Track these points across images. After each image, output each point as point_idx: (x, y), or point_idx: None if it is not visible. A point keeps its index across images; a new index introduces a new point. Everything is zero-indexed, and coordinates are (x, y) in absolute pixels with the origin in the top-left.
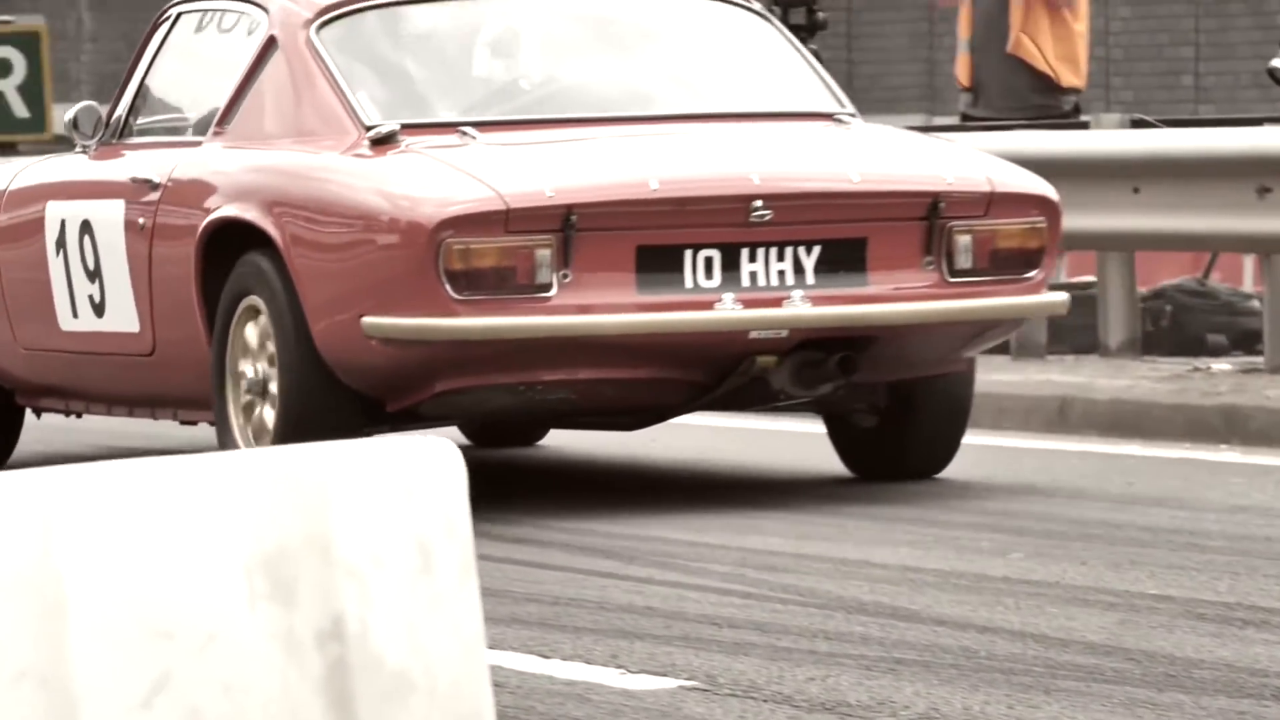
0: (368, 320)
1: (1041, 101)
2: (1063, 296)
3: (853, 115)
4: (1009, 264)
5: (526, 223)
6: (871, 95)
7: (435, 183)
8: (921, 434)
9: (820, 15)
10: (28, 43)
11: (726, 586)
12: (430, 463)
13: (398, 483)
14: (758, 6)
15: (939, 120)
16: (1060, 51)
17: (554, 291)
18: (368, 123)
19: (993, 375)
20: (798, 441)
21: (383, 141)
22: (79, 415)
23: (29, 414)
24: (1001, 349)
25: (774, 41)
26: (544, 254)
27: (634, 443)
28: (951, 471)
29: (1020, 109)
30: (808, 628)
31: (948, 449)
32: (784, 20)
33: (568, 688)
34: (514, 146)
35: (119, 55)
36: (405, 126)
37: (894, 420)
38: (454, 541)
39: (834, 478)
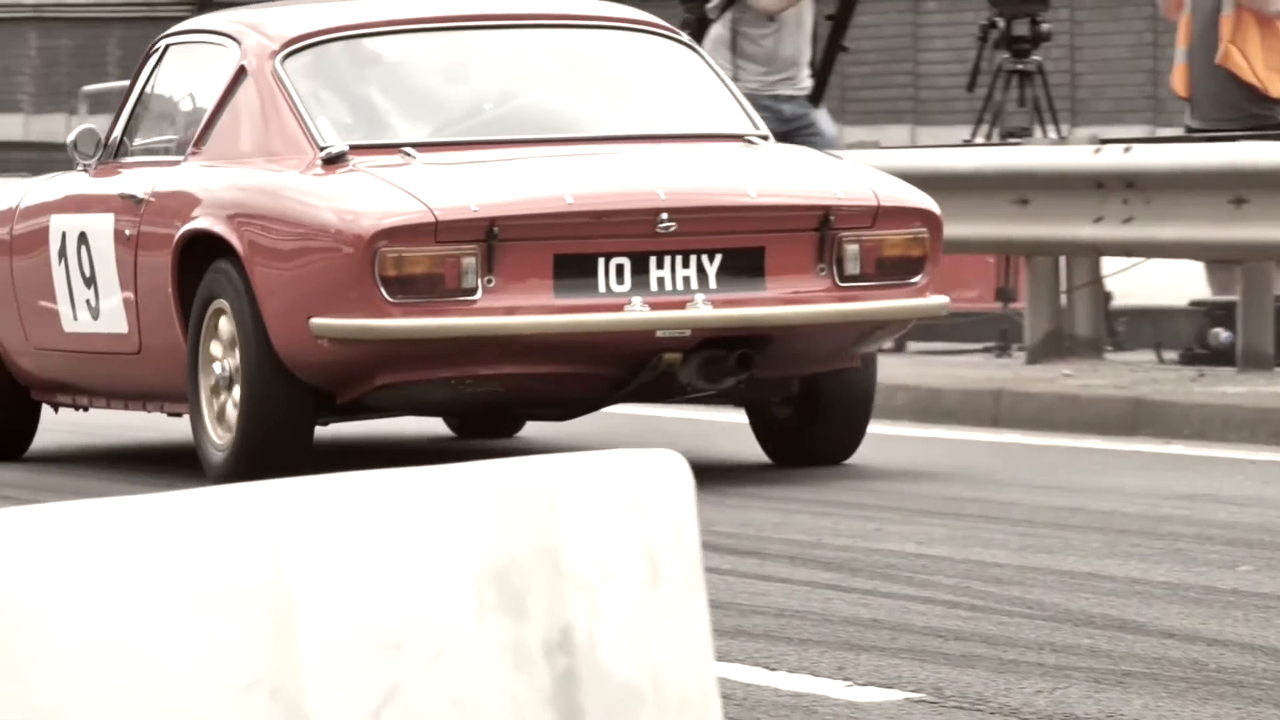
0: (315, 321)
1: (1256, 111)
2: (942, 300)
3: (764, 137)
4: (894, 270)
5: (454, 234)
6: (1095, 106)
7: (374, 198)
8: (830, 425)
9: (1044, 26)
10: None
11: (952, 599)
12: (658, 474)
13: (626, 494)
14: (684, 37)
15: (1163, 131)
16: (1271, 62)
17: (479, 295)
18: (322, 144)
19: (1219, 388)
20: (1022, 454)
21: (333, 161)
22: (85, 409)
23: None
24: (1227, 359)
25: (696, 69)
26: (469, 261)
27: (858, 454)
28: (1180, 484)
29: (1232, 120)
30: (1035, 640)
31: (854, 438)
32: (1007, 31)
33: (794, 700)
34: (447, 166)
35: None
36: (354, 148)
37: (804, 412)
38: (682, 553)
39: (1058, 488)
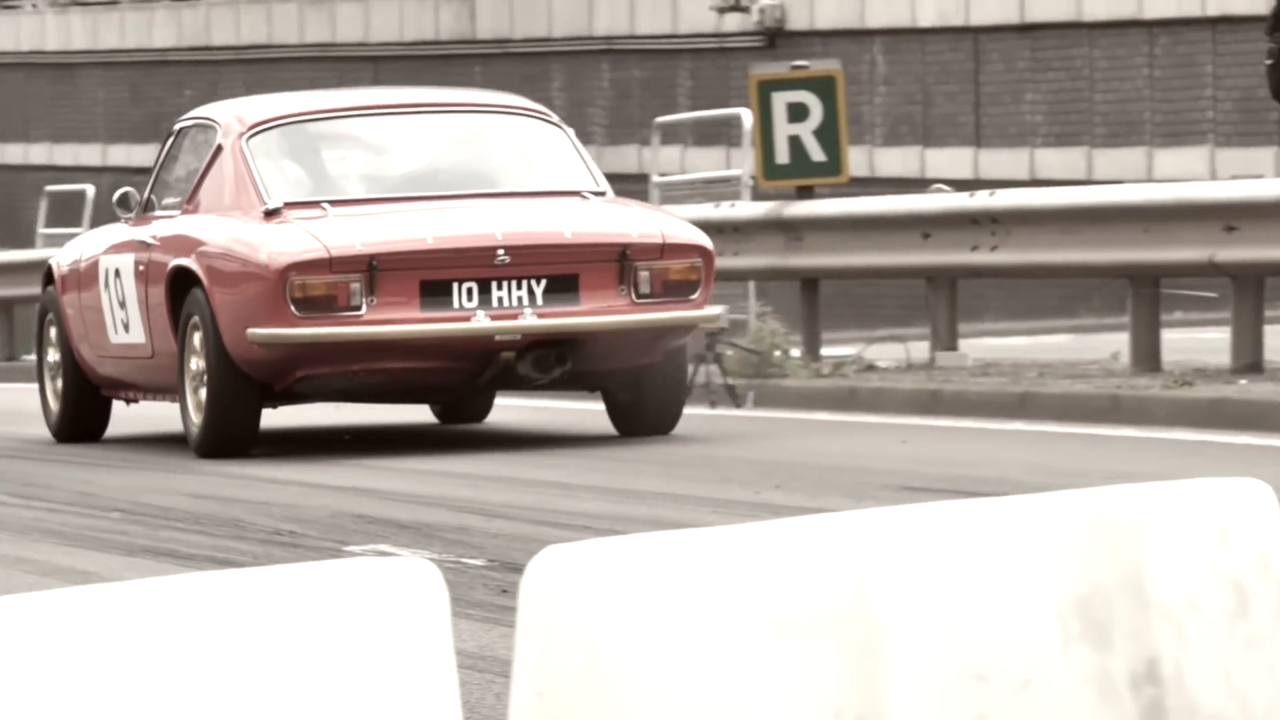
0: (250, 330)
1: None
2: (715, 311)
3: (599, 193)
4: (677, 290)
5: (344, 266)
6: None
7: (289, 240)
8: (655, 402)
9: None
10: (823, 87)
11: None
12: (1243, 502)
13: (1211, 522)
14: (554, 118)
15: None
16: None
17: (363, 311)
18: (265, 201)
19: None
20: None
21: (271, 214)
22: (134, 402)
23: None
24: None
25: (557, 142)
26: (356, 286)
27: None
28: None
29: None
30: None
31: (674, 416)
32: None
33: None
34: (348, 217)
35: (912, 97)
36: (288, 204)
37: (636, 396)
38: (1269, 582)
39: None
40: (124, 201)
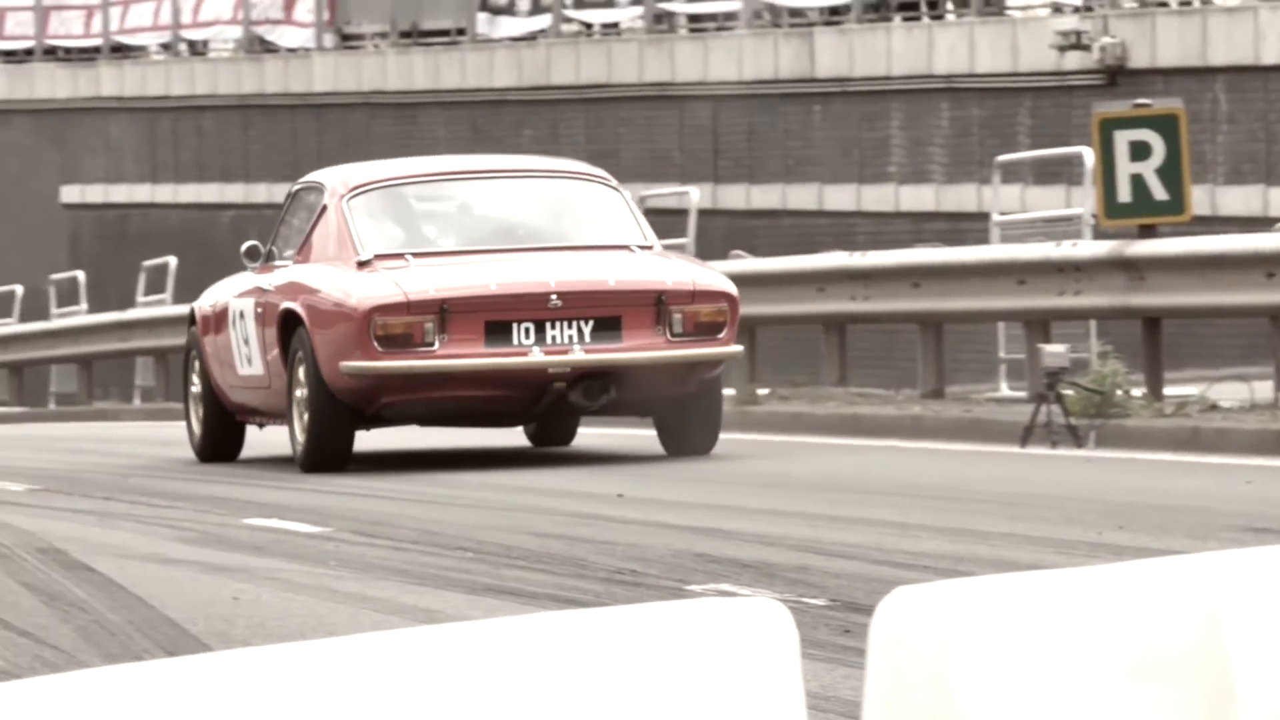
0: (342, 363)
1: None
2: (738, 348)
3: (646, 247)
4: (706, 330)
5: (419, 309)
6: None
7: (375, 287)
8: (695, 427)
9: None
10: (1166, 125)
11: None
12: None
13: None
14: (613, 182)
15: None
16: None
17: (436, 346)
18: (358, 254)
19: None
20: None
21: (363, 264)
22: (263, 426)
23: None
24: None
25: (612, 202)
26: (429, 325)
27: None
28: None
29: None
30: None
31: (712, 438)
32: None
33: None
34: (426, 267)
35: (1254, 135)
36: (377, 256)
37: (679, 420)
38: None
39: None
40: (251, 253)
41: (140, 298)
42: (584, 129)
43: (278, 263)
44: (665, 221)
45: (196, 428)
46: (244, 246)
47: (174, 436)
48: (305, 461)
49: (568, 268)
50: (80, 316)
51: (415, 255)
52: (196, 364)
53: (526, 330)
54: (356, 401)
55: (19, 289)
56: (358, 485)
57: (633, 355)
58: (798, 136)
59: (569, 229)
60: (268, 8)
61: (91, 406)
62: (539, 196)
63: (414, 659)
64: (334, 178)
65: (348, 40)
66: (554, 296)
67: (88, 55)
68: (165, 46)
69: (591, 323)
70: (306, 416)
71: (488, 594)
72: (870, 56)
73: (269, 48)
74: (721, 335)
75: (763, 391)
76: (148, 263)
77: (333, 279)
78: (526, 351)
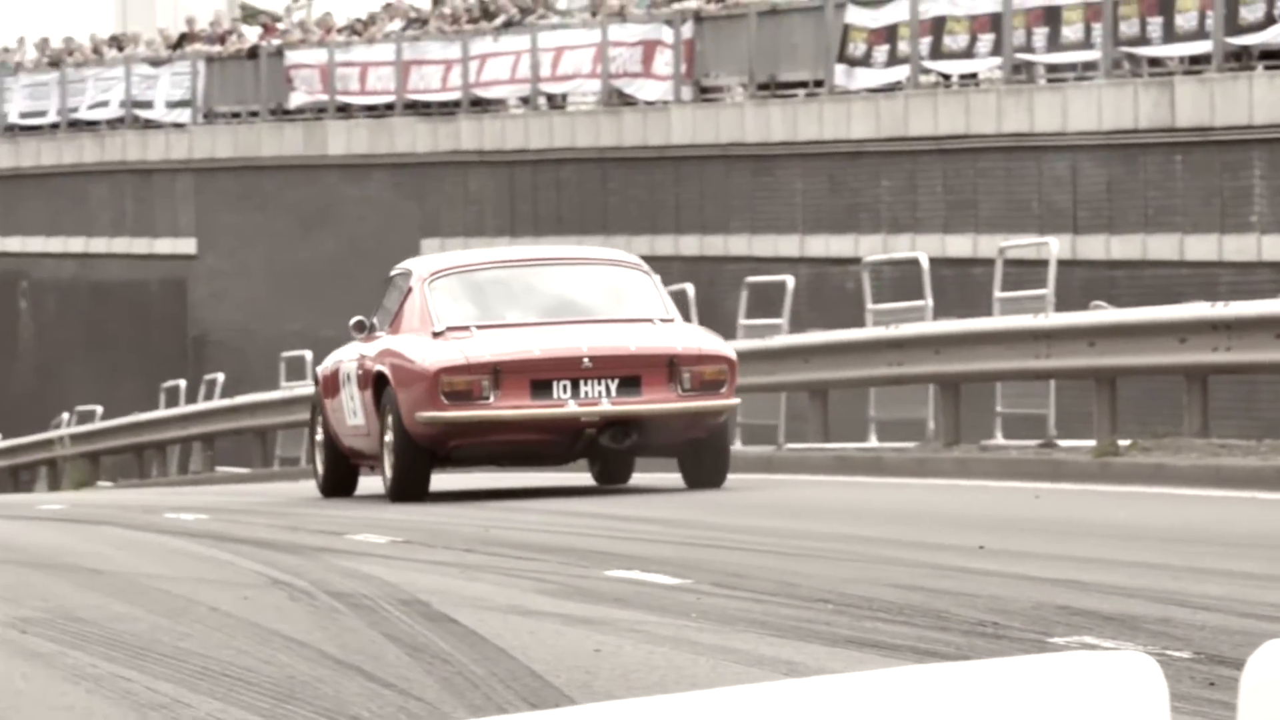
0: (418, 414)
1: None
2: (735, 401)
3: (667, 320)
4: (710, 387)
5: (477, 371)
6: None
7: (443, 353)
8: (706, 465)
9: None
10: None
11: None
12: None
13: None
14: (644, 267)
15: None
16: None
17: (491, 400)
18: (434, 326)
19: None
20: None
21: (437, 335)
22: (372, 469)
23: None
24: None
25: (642, 284)
26: (485, 383)
27: None
28: None
29: None
30: None
31: (722, 472)
32: None
33: None
34: (486, 337)
35: None
36: (449, 328)
37: (696, 459)
38: None
39: None
40: (359, 326)
41: None
42: (941, 179)
43: (377, 334)
44: (1024, 272)
45: (320, 469)
46: (352, 321)
47: (546, 491)
48: (392, 493)
49: (598, 337)
50: None
51: (479, 327)
52: (320, 418)
53: (564, 387)
54: (430, 445)
55: None
56: (717, 536)
57: (650, 406)
58: (1158, 186)
59: (602, 305)
60: (626, 61)
61: None
62: (581, 280)
63: (776, 713)
64: (420, 266)
65: (705, 92)
66: (586, 359)
67: (447, 109)
68: (524, 100)
69: (617, 380)
70: (392, 457)
71: (849, 646)
72: (1232, 105)
73: (627, 100)
74: (723, 390)
75: (1124, 443)
76: None
77: (412, 346)
78: (564, 404)
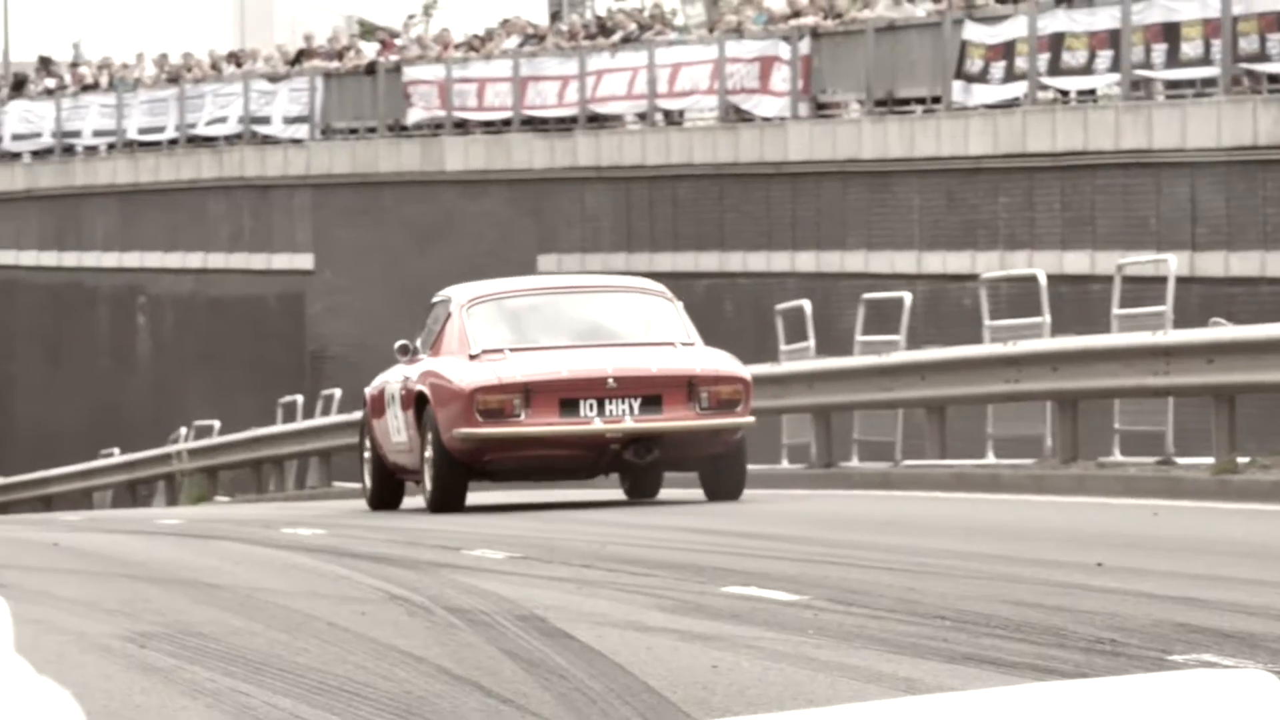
0: (455, 430)
1: None
2: (750, 419)
3: (688, 344)
4: (726, 405)
5: (509, 390)
6: None
7: (478, 374)
8: (724, 478)
9: None
10: None
11: None
12: None
13: None
14: (668, 295)
15: None
16: None
17: (522, 417)
18: (471, 349)
19: None
20: None
21: (473, 357)
22: (418, 483)
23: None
24: None
25: (665, 309)
26: (517, 401)
27: None
28: None
29: None
30: None
31: (740, 486)
32: None
33: None
34: (518, 359)
35: None
36: (484, 350)
37: (715, 473)
38: None
39: None
40: (403, 349)
41: None
42: (1059, 196)
43: (419, 357)
44: (1142, 289)
45: (368, 483)
46: (396, 345)
47: (664, 506)
48: (432, 504)
49: (622, 359)
50: None
51: (512, 350)
52: (368, 437)
53: (590, 405)
54: (466, 460)
55: None
56: (833, 553)
57: (671, 424)
58: (1277, 203)
59: (626, 330)
60: (744, 77)
61: None
62: (607, 306)
63: None
64: (459, 293)
65: (823, 109)
66: (611, 380)
67: (564, 125)
68: (641, 116)
69: (639, 400)
70: (432, 471)
71: (966, 663)
72: None
73: (744, 117)
74: (738, 409)
75: (1242, 460)
76: None
77: (450, 368)
78: (590, 421)
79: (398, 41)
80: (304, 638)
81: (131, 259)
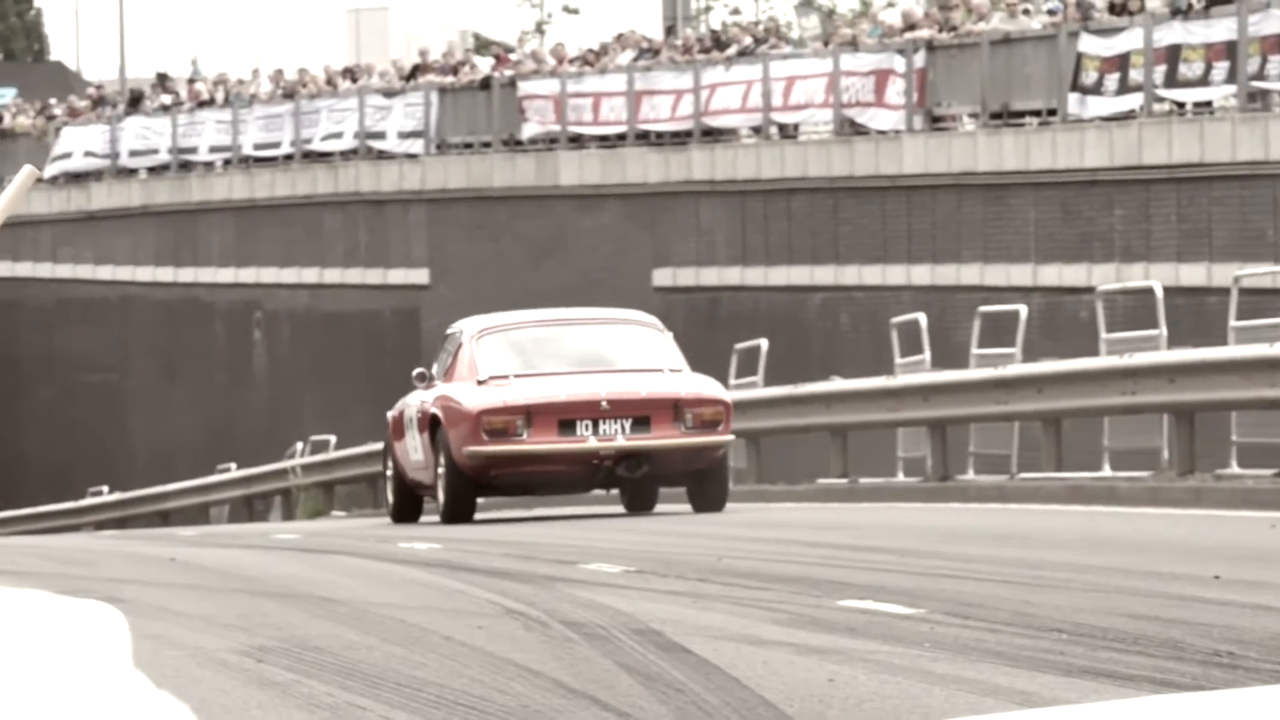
0: (464, 449)
1: None
2: (730, 438)
3: (676, 370)
4: (708, 425)
5: (512, 412)
6: None
7: (485, 397)
8: (708, 491)
9: None
10: None
11: None
12: None
13: None
14: (659, 325)
15: None
16: None
17: (524, 437)
18: (479, 375)
19: None
20: None
21: (481, 382)
22: (434, 499)
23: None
24: None
25: (657, 339)
26: (519, 422)
27: None
28: None
29: None
30: None
31: (722, 499)
32: None
33: None
34: (522, 384)
35: None
36: (491, 377)
37: (700, 487)
38: None
39: None
40: (420, 376)
41: (732, 380)
42: (1176, 208)
43: (434, 383)
44: (1259, 301)
45: (391, 499)
46: (414, 372)
47: (780, 520)
48: (444, 516)
49: (615, 384)
50: None
51: (516, 376)
52: (390, 457)
53: (586, 425)
54: (474, 475)
55: None
56: (948, 566)
57: (658, 442)
58: None
59: (619, 358)
60: (859, 90)
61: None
62: (603, 336)
63: None
64: (470, 325)
65: (938, 122)
66: (604, 403)
67: (679, 139)
68: (756, 129)
69: (630, 420)
70: (444, 485)
71: (1084, 676)
72: None
73: (859, 130)
74: (719, 428)
75: None
76: (740, 345)
77: (460, 392)
78: (585, 440)
79: (512, 56)
80: (421, 652)
81: (247, 274)
